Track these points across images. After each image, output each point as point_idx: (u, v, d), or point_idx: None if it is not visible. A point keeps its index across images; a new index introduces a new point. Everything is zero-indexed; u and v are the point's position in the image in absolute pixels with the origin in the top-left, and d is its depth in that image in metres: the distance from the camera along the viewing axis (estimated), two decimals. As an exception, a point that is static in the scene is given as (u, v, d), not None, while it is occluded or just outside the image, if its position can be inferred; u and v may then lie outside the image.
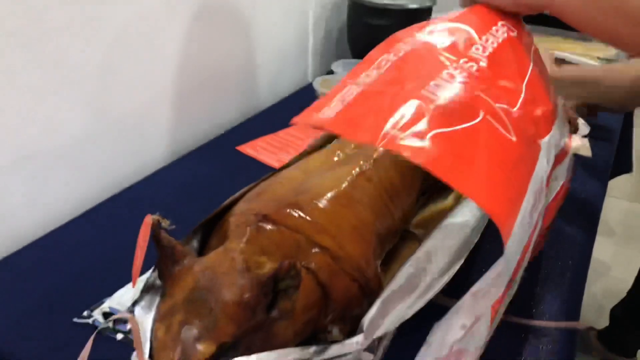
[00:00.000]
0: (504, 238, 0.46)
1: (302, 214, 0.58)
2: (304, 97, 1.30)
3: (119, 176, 0.94)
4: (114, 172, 0.93)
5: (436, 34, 0.60)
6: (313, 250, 0.56)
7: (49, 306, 0.67)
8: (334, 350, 0.50)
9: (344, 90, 0.57)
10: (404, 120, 0.48)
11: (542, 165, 0.58)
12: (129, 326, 0.64)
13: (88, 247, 0.78)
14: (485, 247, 0.80)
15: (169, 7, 0.95)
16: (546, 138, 0.60)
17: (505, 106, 0.54)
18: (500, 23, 0.62)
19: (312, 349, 0.49)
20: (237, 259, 0.51)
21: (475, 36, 0.59)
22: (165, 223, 0.51)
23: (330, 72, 1.38)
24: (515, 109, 0.55)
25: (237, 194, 0.65)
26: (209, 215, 0.63)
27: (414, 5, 1.41)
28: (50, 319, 0.66)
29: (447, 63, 0.55)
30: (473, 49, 0.58)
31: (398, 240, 0.78)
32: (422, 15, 1.42)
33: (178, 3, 0.97)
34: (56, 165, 0.83)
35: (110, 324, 0.64)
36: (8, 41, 0.71)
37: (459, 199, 0.85)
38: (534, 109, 0.59)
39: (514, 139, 0.52)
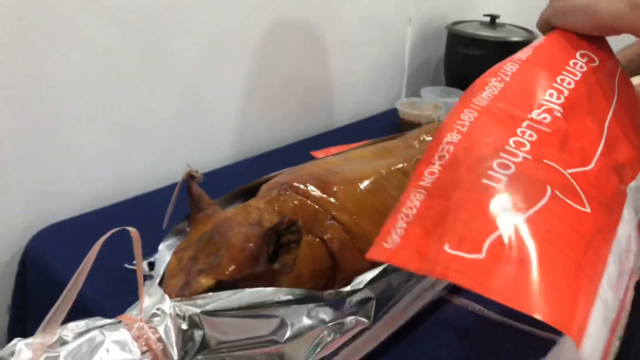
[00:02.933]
0: (577, 343, 0.35)
1: (325, 190, 0.62)
2: (389, 117, 1.35)
3: (197, 162, 1.05)
4: (194, 156, 1.04)
5: (501, 88, 0.51)
6: (329, 222, 0.60)
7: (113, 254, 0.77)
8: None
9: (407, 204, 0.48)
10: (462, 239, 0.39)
11: (628, 218, 0.49)
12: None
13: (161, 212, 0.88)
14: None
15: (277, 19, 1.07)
16: (632, 183, 0.52)
17: (579, 170, 0.46)
18: (579, 53, 0.54)
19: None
20: (253, 213, 0.56)
21: (549, 79, 0.51)
22: (198, 175, 0.58)
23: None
24: (590, 166, 0.47)
25: (281, 171, 0.71)
26: (253, 182, 0.69)
27: (513, 38, 1.40)
28: (111, 263, 0.75)
29: (515, 124, 0.47)
30: (547, 95, 0.49)
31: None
32: (519, 47, 1.41)
33: (279, 18, 1.08)
34: (146, 142, 0.96)
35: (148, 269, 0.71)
36: (123, 33, 0.85)
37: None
38: (618, 154, 0.51)
39: (587, 210, 0.43)
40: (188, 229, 0.60)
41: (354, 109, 1.37)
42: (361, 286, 0.54)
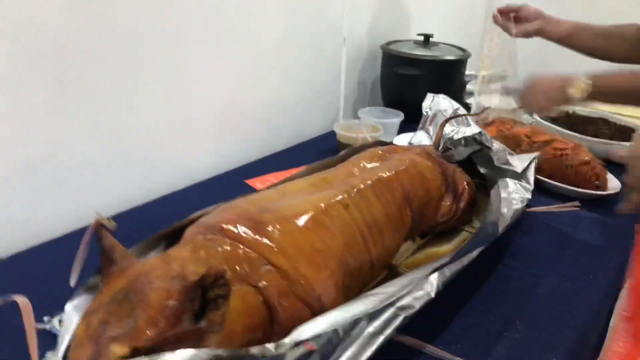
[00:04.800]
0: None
1: (259, 231, 0.56)
2: (328, 140, 1.30)
3: (114, 201, 0.96)
4: (110, 194, 0.96)
5: None
6: (264, 268, 0.53)
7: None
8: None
9: None
10: None
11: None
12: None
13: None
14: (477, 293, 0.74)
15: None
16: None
17: None
18: None
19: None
20: (174, 264, 0.49)
21: None
22: (110, 224, 0.51)
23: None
24: None
25: (209, 208, 0.65)
26: (176, 224, 0.62)
27: (447, 57, 1.40)
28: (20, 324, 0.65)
29: None
30: None
31: (385, 278, 0.74)
32: (455, 66, 1.41)
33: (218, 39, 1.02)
34: (58, 181, 0.86)
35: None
36: (28, 60, 0.76)
37: (458, 246, 0.80)
38: None
39: None
40: (101, 285, 0.52)
41: (290, 133, 1.32)
42: (302, 338, 0.48)
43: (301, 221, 0.59)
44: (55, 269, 0.71)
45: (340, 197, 0.66)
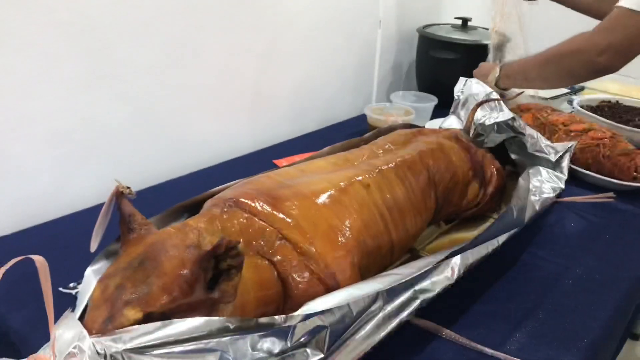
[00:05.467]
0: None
1: (276, 206, 0.56)
2: (359, 123, 1.29)
3: (147, 175, 0.98)
4: (142, 167, 0.98)
5: None
6: (278, 242, 0.54)
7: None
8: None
9: None
10: None
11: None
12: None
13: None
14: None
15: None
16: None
17: None
18: None
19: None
20: (191, 234, 0.50)
21: None
22: (129, 192, 0.52)
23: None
24: None
25: (230, 183, 0.65)
26: (196, 197, 0.63)
27: (485, 41, 1.36)
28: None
29: None
30: None
31: (406, 261, 0.74)
32: (487, 50, 1.37)
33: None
34: (89, 152, 0.89)
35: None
36: (63, 34, 0.78)
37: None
38: None
39: None
40: (120, 251, 0.54)
41: (321, 115, 1.32)
42: (312, 311, 0.49)
43: (319, 198, 0.59)
44: (84, 238, 0.73)
45: (361, 177, 0.65)
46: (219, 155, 1.08)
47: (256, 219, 0.54)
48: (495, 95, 0.98)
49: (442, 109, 1.25)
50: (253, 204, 0.55)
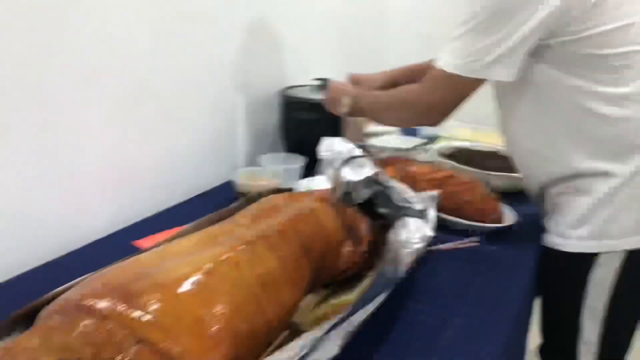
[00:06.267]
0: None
1: (130, 303, 0.49)
2: (227, 190, 1.24)
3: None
4: None
5: None
6: (135, 348, 0.46)
7: None
8: None
9: None
10: None
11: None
12: None
13: None
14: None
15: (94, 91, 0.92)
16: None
17: None
18: None
19: None
20: (20, 358, 0.41)
21: None
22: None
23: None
24: None
25: (75, 280, 0.57)
26: (30, 305, 0.53)
27: (345, 100, 1.40)
28: None
29: None
30: None
31: (286, 339, 0.69)
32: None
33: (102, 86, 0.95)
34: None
35: None
36: None
37: (362, 294, 0.77)
38: None
39: None
40: None
41: (186, 185, 1.25)
42: None
43: (181, 287, 0.53)
44: None
45: (228, 255, 0.60)
46: (65, 244, 0.95)
47: (106, 323, 0.47)
48: (359, 152, 1.00)
49: (311, 168, 1.25)
50: (101, 305, 0.48)
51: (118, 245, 0.96)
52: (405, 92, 1.07)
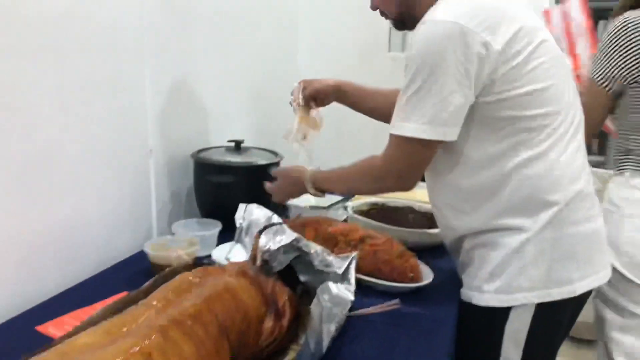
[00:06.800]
0: None
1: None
2: (141, 260, 1.18)
3: None
4: None
5: None
6: None
7: None
8: None
9: None
10: None
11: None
12: None
13: None
14: None
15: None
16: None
17: None
18: None
19: None
20: None
21: None
22: None
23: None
24: None
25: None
26: None
27: (260, 162, 1.40)
28: None
29: None
30: None
31: None
32: (265, 171, 1.40)
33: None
34: None
35: None
36: None
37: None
38: None
39: None
40: None
41: (97, 257, 1.17)
42: None
43: (86, 391, 0.48)
44: None
45: (139, 345, 0.56)
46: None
47: None
48: (276, 219, 0.99)
49: (228, 232, 1.22)
50: None
51: (20, 331, 0.88)
52: (367, 167, 1.06)
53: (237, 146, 1.45)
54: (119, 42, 1.19)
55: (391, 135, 0.98)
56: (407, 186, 1.01)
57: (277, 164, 1.44)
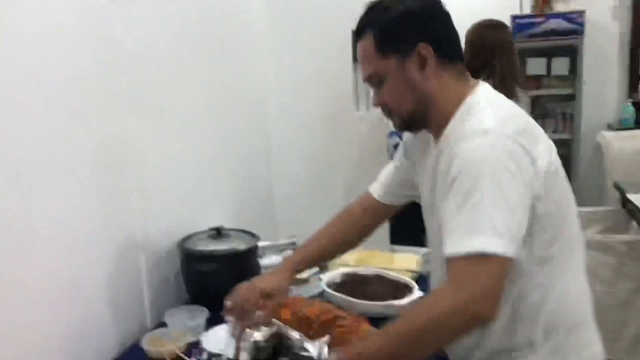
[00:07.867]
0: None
1: None
2: (137, 352, 1.28)
3: None
4: None
5: None
6: None
7: None
8: None
9: None
10: None
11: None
12: None
13: None
14: None
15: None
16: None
17: None
18: None
19: None
20: None
21: None
22: None
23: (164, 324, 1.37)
24: None
25: None
26: None
27: (240, 248, 1.53)
28: None
29: None
30: None
31: None
32: (248, 255, 1.54)
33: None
34: None
35: None
36: None
37: None
38: None
39: None
40: None
41: (95, 354, 1.28)
42: None
43: None
44: None
45: None
46: None
47: None
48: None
49: (217, 314, 1.28)
50: None
51: None
52: (436, 304, 0.88)
53: (218, 232, 1.58)
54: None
55: (453, 259, 0.87)
56: (490, 314, 0.85)
57: (254, 247, 1.57)
